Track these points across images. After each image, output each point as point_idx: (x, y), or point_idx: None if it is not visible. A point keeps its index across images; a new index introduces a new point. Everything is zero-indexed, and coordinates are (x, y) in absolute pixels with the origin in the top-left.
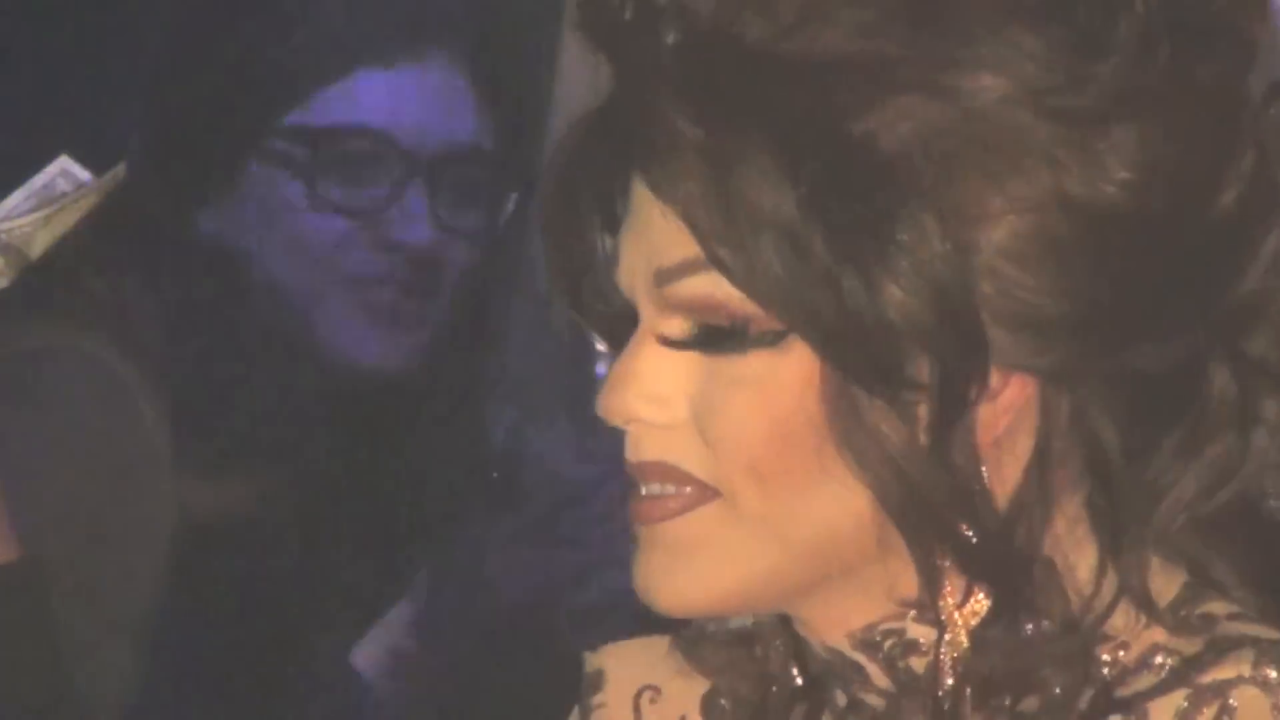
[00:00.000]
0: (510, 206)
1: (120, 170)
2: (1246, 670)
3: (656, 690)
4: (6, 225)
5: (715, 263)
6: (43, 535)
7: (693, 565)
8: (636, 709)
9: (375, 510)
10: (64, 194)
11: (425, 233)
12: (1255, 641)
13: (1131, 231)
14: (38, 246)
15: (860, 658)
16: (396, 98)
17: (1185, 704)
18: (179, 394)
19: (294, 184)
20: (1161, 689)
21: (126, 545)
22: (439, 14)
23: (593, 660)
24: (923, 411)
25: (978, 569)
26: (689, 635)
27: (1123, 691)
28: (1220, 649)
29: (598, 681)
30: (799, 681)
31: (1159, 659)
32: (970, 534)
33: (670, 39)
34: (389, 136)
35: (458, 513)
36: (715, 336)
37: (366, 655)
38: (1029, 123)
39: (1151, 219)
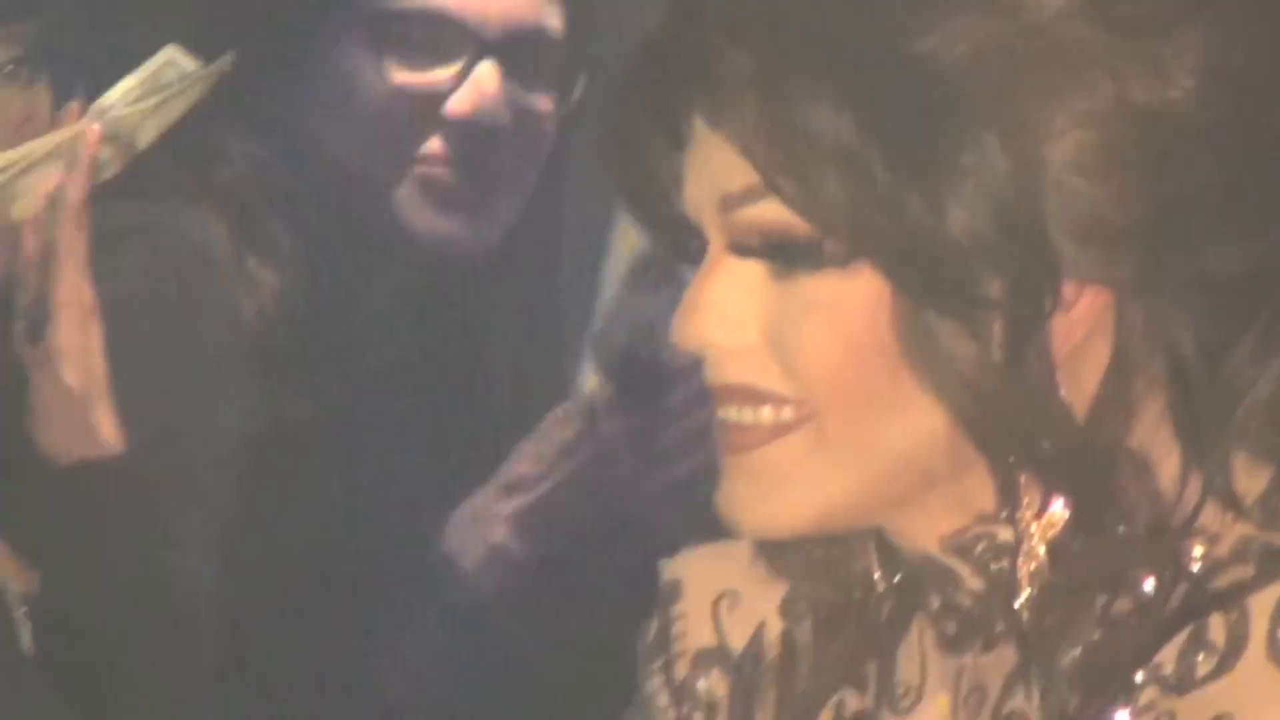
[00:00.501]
0: (580, 88)
1: (226, 61)
2: None
3: (735, 596)
4: (115, 114)
5: (776, 191)
6: (135, 419)
7: (777, 493)
8: (715, 616)
9: (456, 397)
10: (170, 84)
11: (494, 113)
12: None
13: (1196, 138)
14: (145, 135)
15: (953, 562)
16: None
17: None
18: (263, 276)
19: (365, 67)
20: (1259, 582)
21: (212, 430)
22: None
23: (670, 569)
24: (996, 328)
25: (1057, 480)
26: (770, 541)
27: (1218, 585)
28: None
29: (675, 591)
30: (884, 586)
31: (1253, 551)
32: (1049, 446)
33: None
34: (458, 19)
35: (541, 396)
36: (786, 257)
37: (457, 542)
38: (1089, 35)
39: (1216, 125)
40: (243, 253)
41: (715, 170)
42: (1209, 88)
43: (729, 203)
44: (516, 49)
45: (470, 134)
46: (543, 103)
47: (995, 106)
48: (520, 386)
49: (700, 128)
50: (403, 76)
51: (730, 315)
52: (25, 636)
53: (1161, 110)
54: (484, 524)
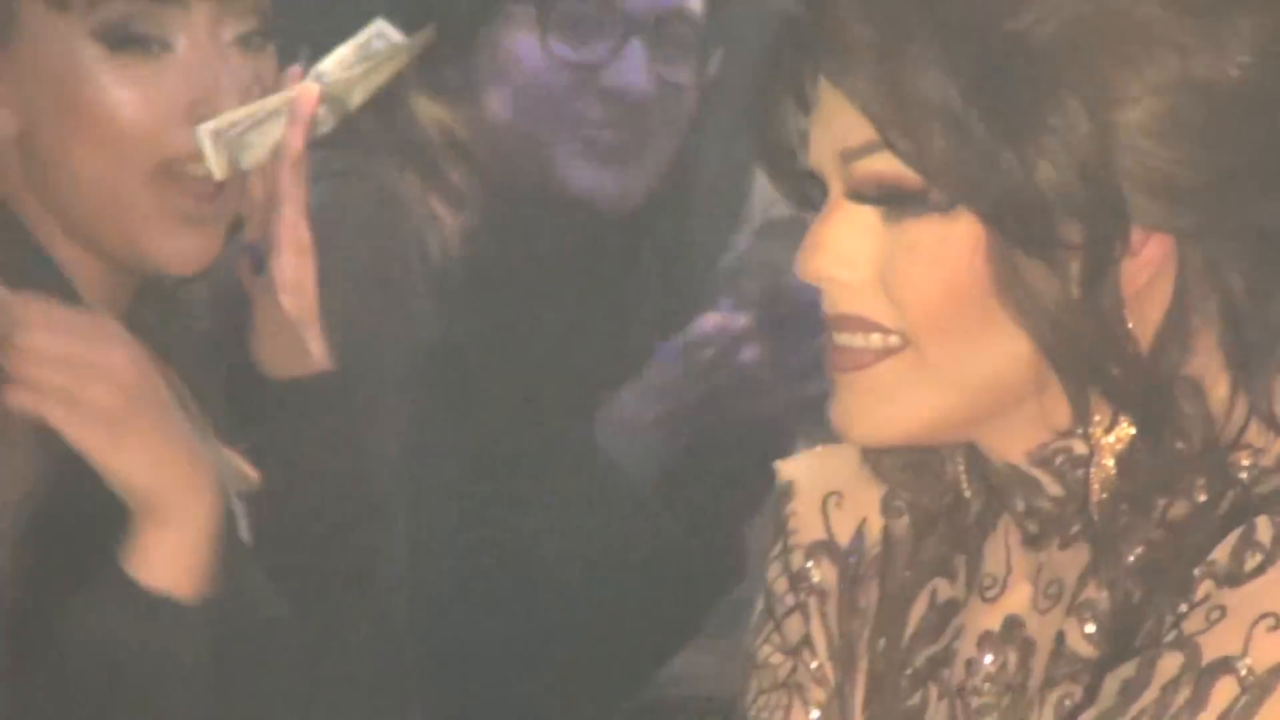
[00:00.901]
0: (716, 62)
1: (428, 33)
2: None
3: (840, 495)
4: (331, 79)
5: (890, 146)
6: (339, 340)
7: (882, 408)
8: (824, 513)
9: (605, 322)
10: (378, 53)
11: (642, 83)
12: None
13: (1252, 107)
14: (356, 97)
15: (1036, 472)
16: None
17: None
18: (445, 218)
19: (528, 42)
20: None
21: (402, 347)
22: None
23: (784, 471)
24: (1074, 269)
25: (1124, 400)
26: (874, 449)
27: (1262, 491)
28: None
29: (789, 491)
30: (970, 492)
31: None
32: (1117, 372)
33: None
34: (612, 2)
35: (676, 324)
36: (896, 204)
37: (608, 439)
38: (1158, 15)
39: (1270, 96)
40: (429, 198)
41: (837, 129)
42: (1263, 64)
43: (848, 156)
44: (661, 29)
45: (621, 103)
46: (683, 75)
47: (1077, 76)
48: (661, 315)
49: (825, 91)
50: (564, 52)
51: (845, 254)
52: (244, 529)
53: (1220, 82)
54: (633, 426)
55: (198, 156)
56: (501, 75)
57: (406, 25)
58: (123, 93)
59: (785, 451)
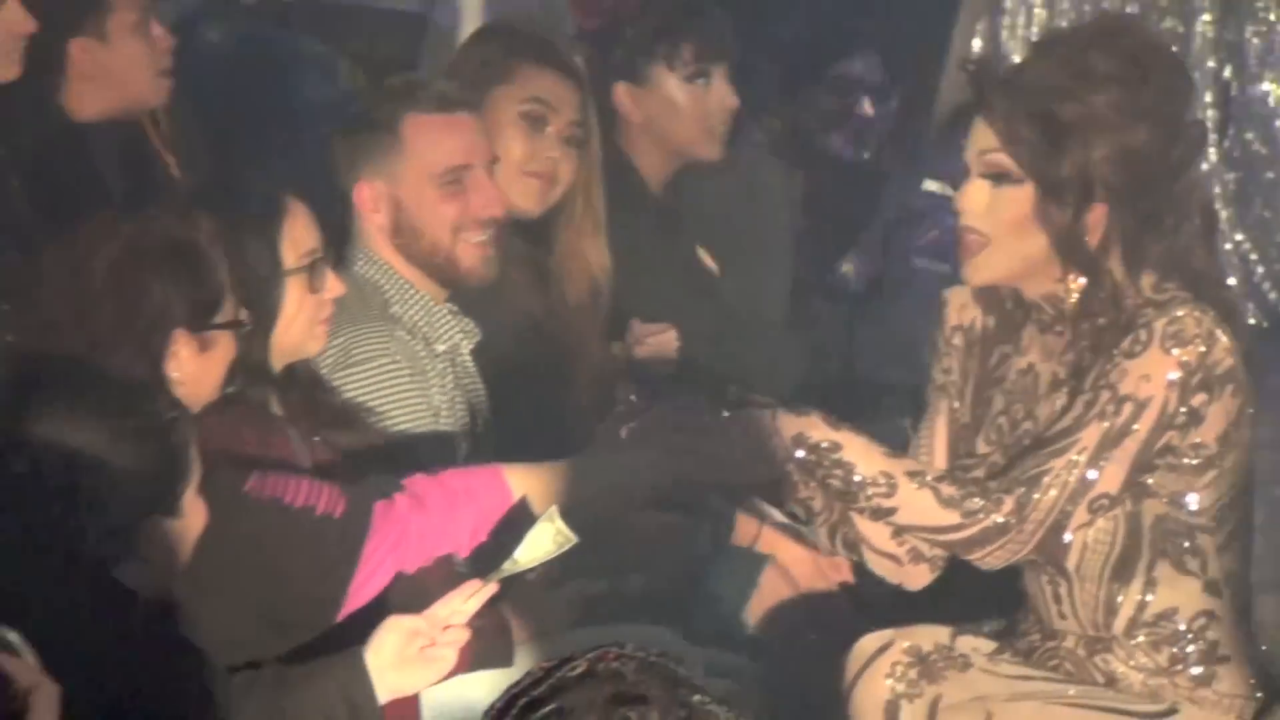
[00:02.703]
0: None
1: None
2: (1187, 309)
3: (964, 306)
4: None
5: (1006, 150)
6: None
7: (980, 272)
8: (958, 315)
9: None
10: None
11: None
12: (1184, 301)
13: (1152, 156)
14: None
15: (1043, 301)
16: None
17: (1168, 323)
18: None
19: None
20: (1160, 312)
21: None
22: None
23: (944, 294)
24: (1069, 213)
25: (1083, 268)
26: (978, 288)
27: (1140, 317)
28: (1179, 300)
29: (945, 301)
30: (1013, 307)
31: (1157, 296)
32: (1081, 256)
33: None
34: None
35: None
36: (1001, 177)
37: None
38: (1114, 103)
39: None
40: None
41: (980, 141)
42: (1156, 132)
43: (983, 154)
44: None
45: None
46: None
47: (1081, 133)
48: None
49: (979, 125)
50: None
51: (974, 201)
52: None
53: (1137, 144)
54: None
55: None
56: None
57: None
58: None
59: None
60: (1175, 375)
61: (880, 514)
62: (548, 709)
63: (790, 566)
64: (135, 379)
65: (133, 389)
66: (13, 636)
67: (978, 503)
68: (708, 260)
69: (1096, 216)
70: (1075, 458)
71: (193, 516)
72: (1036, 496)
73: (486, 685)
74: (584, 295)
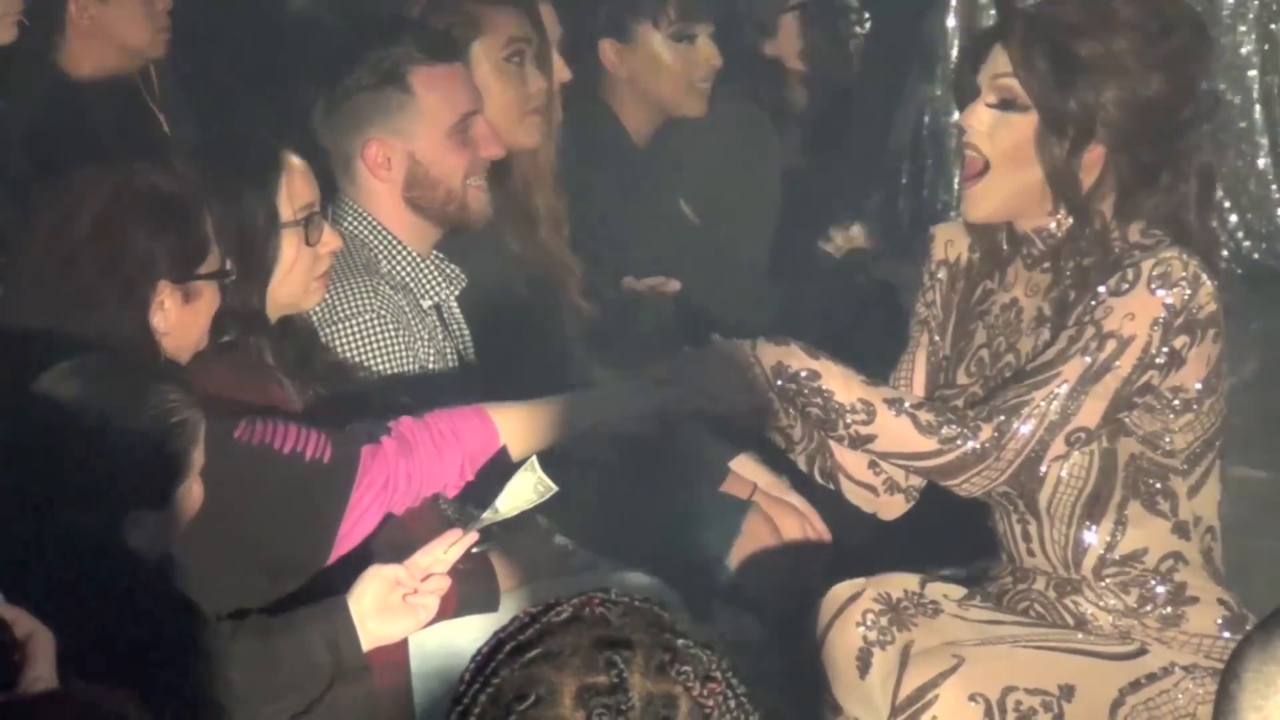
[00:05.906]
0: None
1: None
2: (1173, 251)
3: (951, 241)
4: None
5: (1018, 79)
6: None
7: (976, 206)
8: (944, 250)
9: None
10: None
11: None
12: (1170, 244)
13: (1157, 104)
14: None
15: (1034, 235)
16: None
17: (1155, 265)
18: None
19: None
20: (1147, 254)
21: None
22: None
23: (933, 229)
24: (1067, 147)
25: (1073, 206)
26: (970, 223)
27: (1126, 258)
28: (1166, 243)
29: (933, 235)
30: (1003, 237)
31: (1145, 240)
32: (1072, 193)
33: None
34: None
35: None
36: (1009, 103)
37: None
38: (1127, 49)
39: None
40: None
41: (995, 66)
42: (1166, 80)
43: (995, 79)
44: None
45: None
46: None
47: (1096, 72)
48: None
49: (997, 52)
50: None
51: (980, 122)
52: None
53: (1145, 91)
54: None
55: None
56: None
57: None
58: None
59: None
60: (1160, 315)
61: (859, 441)
62: (534, 653)
63: (775, 516)
64: (148, 381)
65: (146, 391)
66: None
67: (955, 429)
68: (689, 212)
69: (1094, 157)
70: (1056, 390)
71: (195, 486)
72: (1015, 425)
73: (474, 631)
74: (553, 231)
